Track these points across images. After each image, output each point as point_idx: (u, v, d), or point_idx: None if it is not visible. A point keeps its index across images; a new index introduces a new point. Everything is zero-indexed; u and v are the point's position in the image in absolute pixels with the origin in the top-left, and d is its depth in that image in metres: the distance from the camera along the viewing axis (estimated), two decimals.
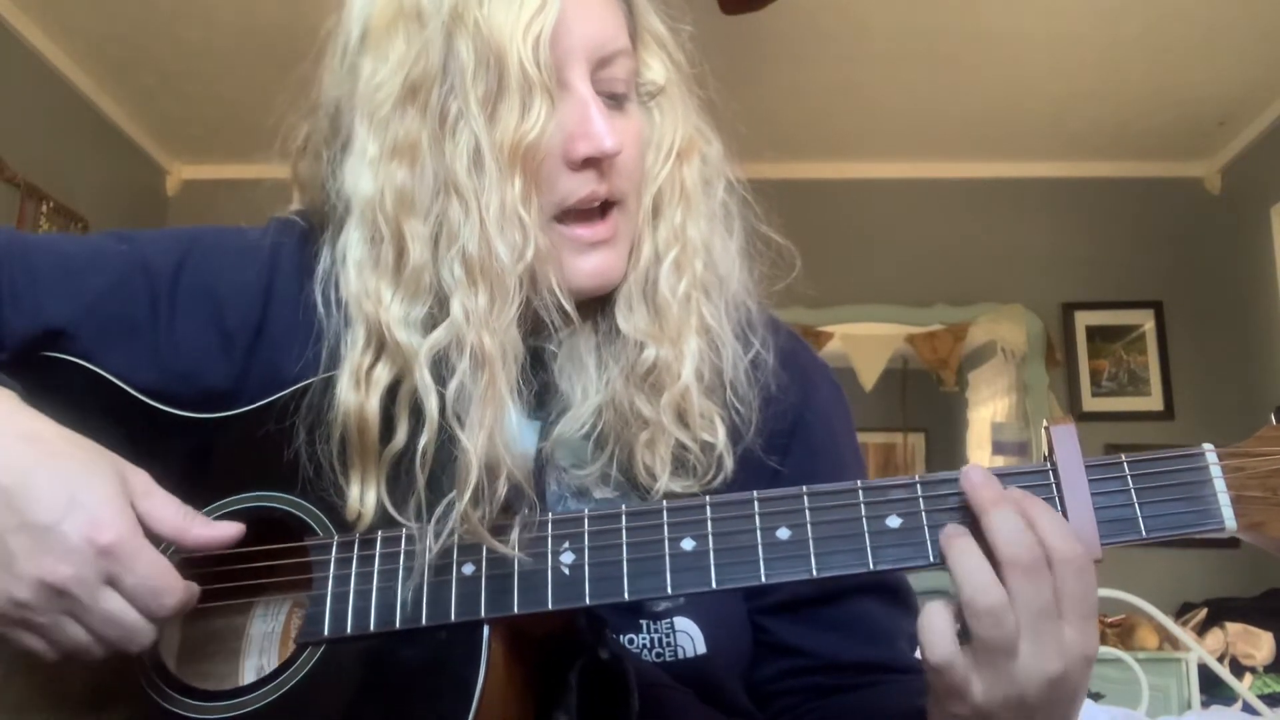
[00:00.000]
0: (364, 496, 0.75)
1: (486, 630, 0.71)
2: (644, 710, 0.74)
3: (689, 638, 0.84)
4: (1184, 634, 2.61)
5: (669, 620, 0.84)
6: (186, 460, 0.82)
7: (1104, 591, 2.13)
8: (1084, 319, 4.80)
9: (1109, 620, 3.64)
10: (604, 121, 0.79)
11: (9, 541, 0.68)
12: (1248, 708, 2.55)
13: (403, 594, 0.73)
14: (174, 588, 0.71)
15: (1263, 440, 0.69)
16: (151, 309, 0.86)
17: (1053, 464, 0.70)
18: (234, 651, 0.84)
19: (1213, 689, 3.38)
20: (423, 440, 0.73)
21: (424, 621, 0.73)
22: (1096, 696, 2.76)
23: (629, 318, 0.84)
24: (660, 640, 0.84)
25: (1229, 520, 0.68)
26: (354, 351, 0.77)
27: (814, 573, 0.70)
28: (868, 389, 5.26)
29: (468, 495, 0.71)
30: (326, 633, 0.74)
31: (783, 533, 0.71)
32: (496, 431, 0.72)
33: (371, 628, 0.74)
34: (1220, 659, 3.58)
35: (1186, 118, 4.46)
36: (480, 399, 0.73)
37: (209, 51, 4.03)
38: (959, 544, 0.67)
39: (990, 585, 0.64)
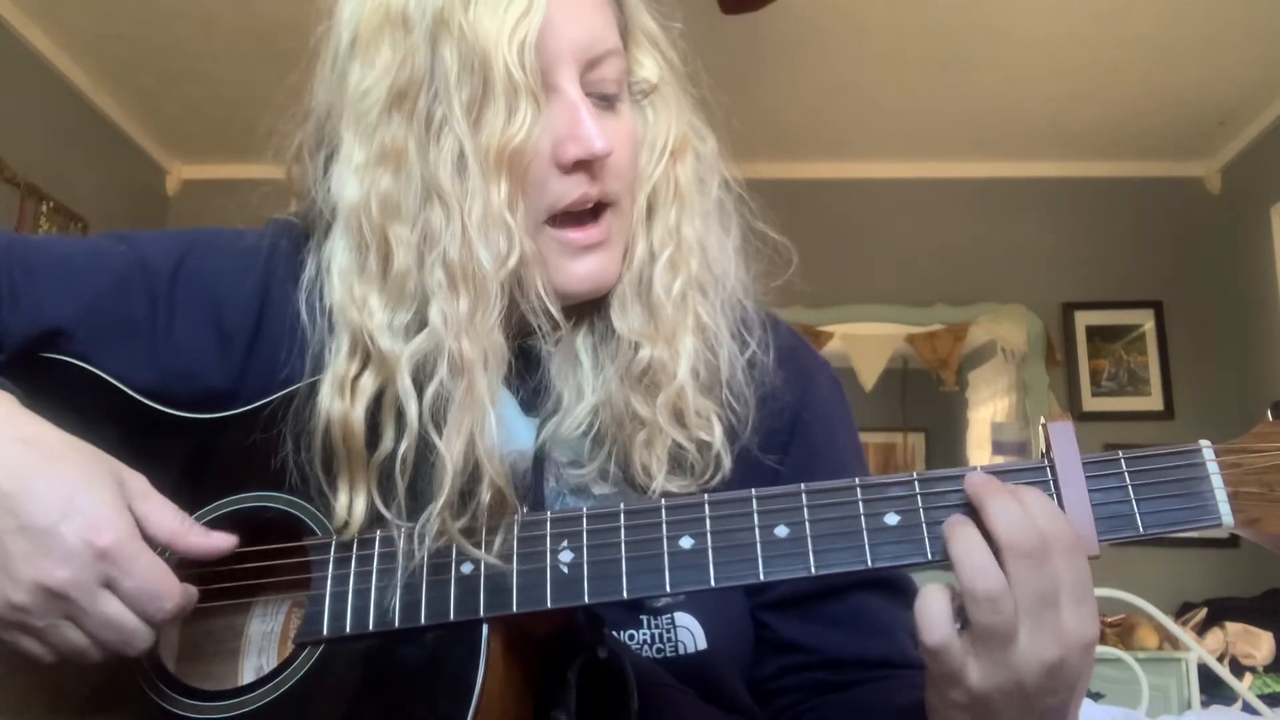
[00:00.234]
0: (352, 505, 0.75)
1: (485, 629, 0.71)
2: (644, 709, 0.74)
3: (689, 633, 0.84)
4: (1184, 634, 2.61)
5: (669, 616, 0.84)
6: (185, 460, 0.82)
7: (1104, 591, 2.13)
8: (1084, 319, 4.80)
9: (1109, 620, 3.64)
10: (594, 123, 0.79)
11: (7, 544, 0.68)
12: (1248, 708, 2.55)
13: (402, 594, 0.73)
14: (172, 591, 0.71)
15: (1260, 436, 0.69)
16: (150, 309, 0.87)
17: (1050, 461, 0.70)
18: (233, 651, 0.84)
19: (1213, 689, 3.38)
20: (402, 447, 0.73)
21: (423, 621, 0.73)
22: (1096, 696, 2.76)
23: (624, 318, 0.84)
24: (661, 636, 0.84)
25: (1226, 516, 0.68)
26: (338, 359, 0.77)
27: (812, 570, 0.70)
28: (868, 389, 5.27)
29: (442, 501, 0.71)
30: (325, 632, 0.74)
31: (781, 530, 0.71)
32: (477, 437, 0.72)
33: (370, 627, 0.74)
34: (1220, 659, 3.58)
35: (1186, 118, 4.46)
36: (459, 405, 0.73)
37: (209, 51, 4.04)
38: (960, 531, 0.67)
39: (990, 570, 0.65)
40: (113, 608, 0.70)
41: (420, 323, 0.76)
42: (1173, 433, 4.52)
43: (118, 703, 0.77)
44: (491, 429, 0.73)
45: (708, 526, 0.72)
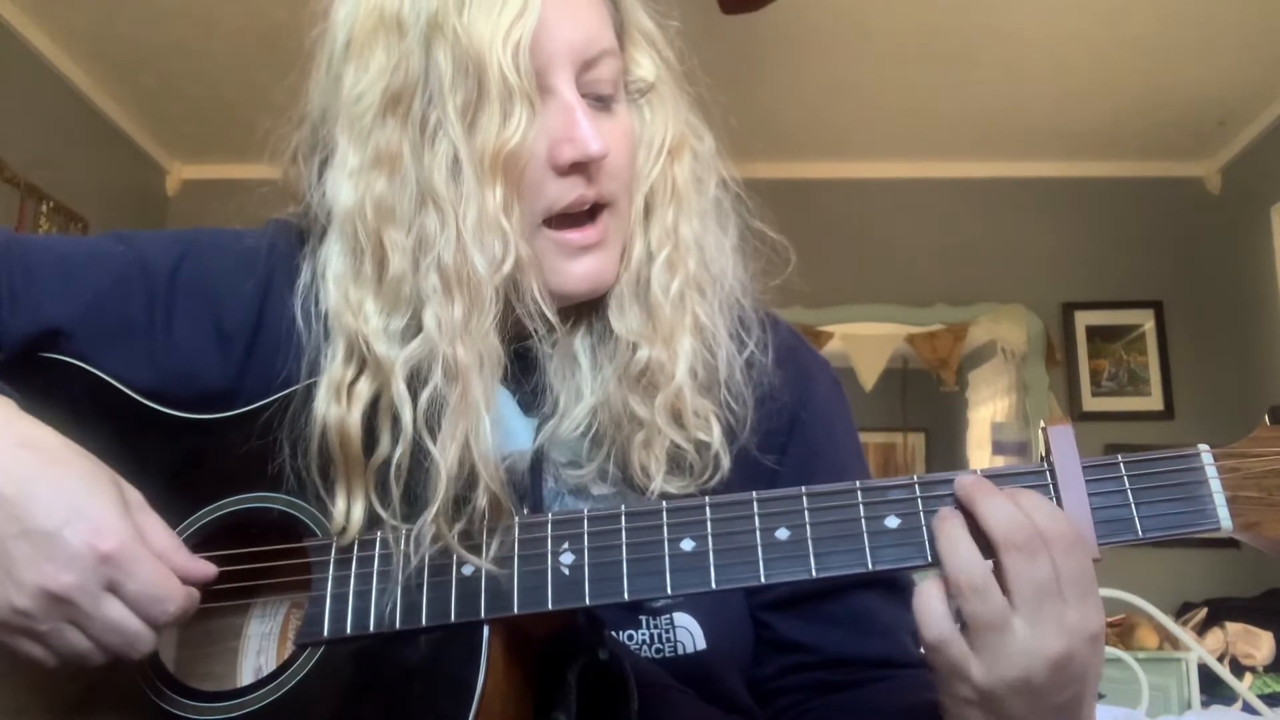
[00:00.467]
0: (350, 509, 0.75)
1: (486, 631, 0.71)
2: (644, 710, 0.74)
3: (689, 634, 0.84)
4: (1184, 634, 2.61)
5: (668, 616, 0.84)
6: (184, 460, 0.82)
7: (1104, 591, 2.13)
8: (1084, 319, 4.80)
9: (1109, 620, 3.64)
10: (590, 125, 0.79)
11: (10, 549, 0.68)
12: (1248, 708, 2.55)
13: (403, 595, 0.73)
14: (175, 594, 0.71)
15: (1258, 441, 0.70)
16: (149, 310, 0.86)
17: (1050, 465, 0.71)
18: (231, 651, 0.84)
19: (1213, 689, 3.38)
20: (397, 452, 0.74)
21: (424, 622, 0.73)
22: (1097, 696, 2.76)
23: (621, 318, 0.84)
24: (660, 636, 0.84)
25: (1225, 520, 0.69)
26: (333, 365, 0.77)
27: (813, 573, 0.70)
28: (868, 389, 5.27)
29: (436, 507, 0.71)
30: (326, 633, 0.74)
31: (782, 533, 0.71)
32: (472, 442, 0.72)
33: (371, 629, 0.74)
34: (1220, 659, 3.58)
35: (1186, 118, 4.46)
36: (454, 410, 0.73)
37: (209, 51, 4.03)
38: (947, 525, 0.68)
39: (974, 562, 0.66)
40: (116, 612, 0.70)
41: (415, 327, 0.76)
42: (1173, 433, 4.53)
43: (117, 703, 0.77)
44: (486, 434, 0.73)
45: (709, 529, 0.72)
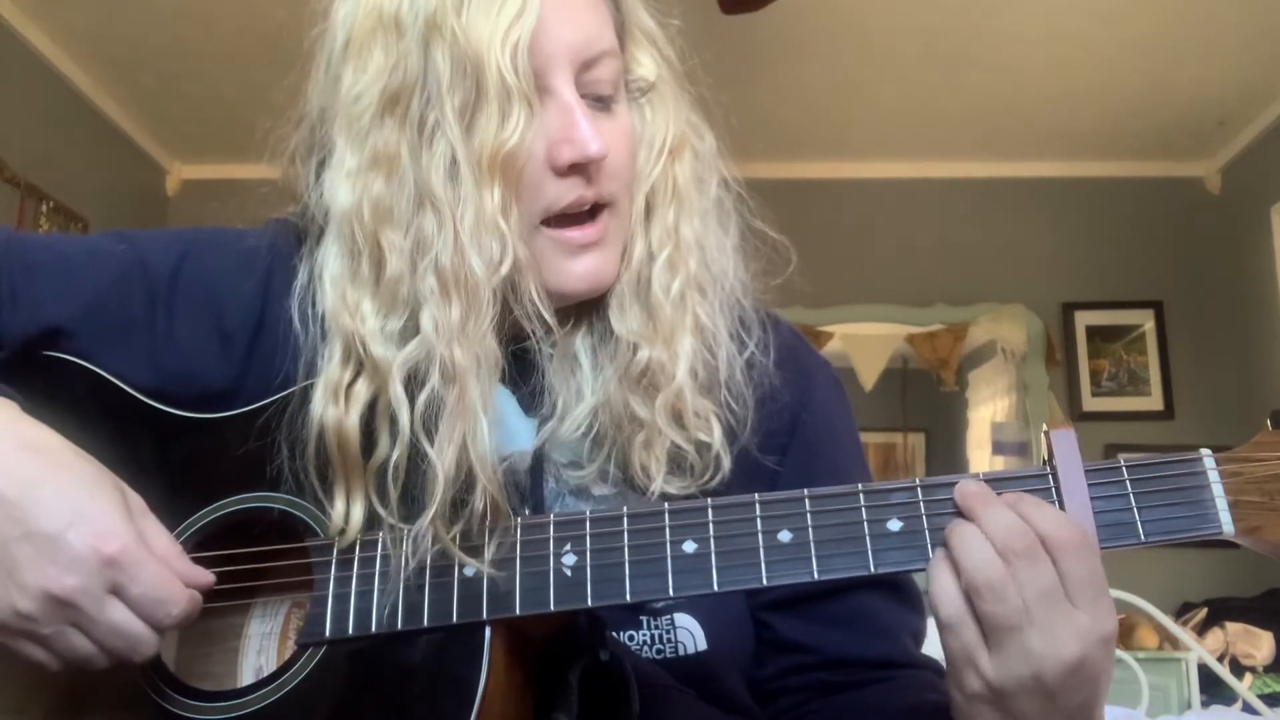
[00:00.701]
0: (350, 511, 0.75)
1: (488, 631, 0.71)
2: (645, 711, 0.75)
3: (689, 634, 0.84)
4: (1184, 634, 2.61)
5: (669, 617, 0.84)
6: (186, 460, 0.82)
7: None
8: (1084, 319, 4.80)
9: None
10: (589, 126, 0.79)
11: (13, 551, 0.68)
12: (1248, 708, 2.55)
13: (404, 596, 0.73)
14: (178, 597, 0.71)
15: (1259, 446, 0.70)
16: (150, 309, 0.86)
17: (1052, 468, 0.71)
18: (232, 651, 0.84)
19: (1213, 689, 3.38)
20: (395, 454, 0.73)
21: (426, 623, 0.73)
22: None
23: (622, 319, 0.83)
24: (660, 637, 0.84)
25: (1227, 525, 0.69)
26: (330, 366, 0.77)
27: (815, 575, 0.70)
28: (868, 389, 5.27)
29: (433, 510, 0.71)
30: (328, 634, 0.74)
31: (784, 535, 0.71)
32: (470, 445, 0.72)
33: (373, 629, 0.74)
34: (1220, 659, 3.58)
35: (1186, 118, 4.46)
36: (451, 413, 0.73)
37: (209, 51, 4.03)
38: (961, 529, 0.68)
39: (991, 561, 0.66)
40: (120, 615, 0.69)
41: (413, 329, 0.75)
42: (1173, 433, 4.53)
43: (118, 703, 0.77)
44: (484, 436, 0.73)
45: (711, 531, 0.72)
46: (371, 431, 0.75)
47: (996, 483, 0.70)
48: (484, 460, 0.72)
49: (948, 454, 6.43)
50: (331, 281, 0.78)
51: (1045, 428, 0.72)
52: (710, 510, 0.72)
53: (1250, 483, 0.69)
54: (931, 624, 0.74)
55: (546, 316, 0.78)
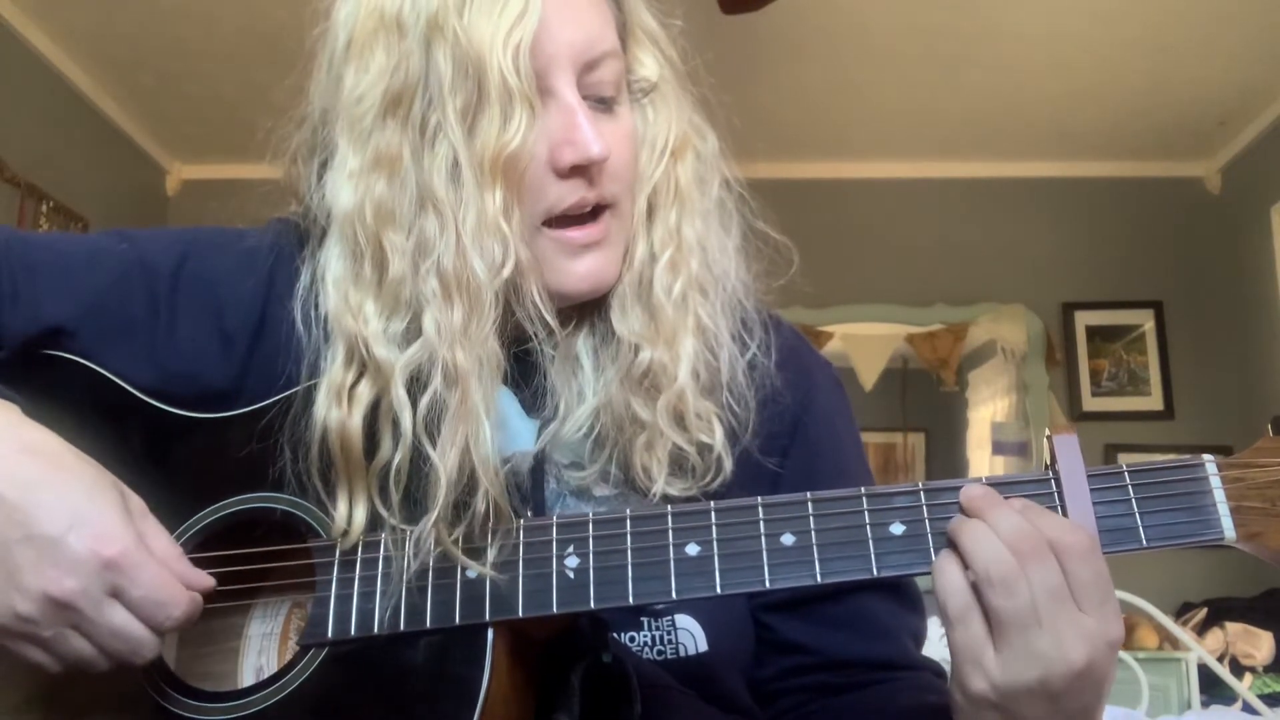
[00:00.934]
0: (352, 513, 0.75)
1: (491, 633, 0.71)
2: (646, 712, 0.75)
3: (690, 635, 0.84)
4: (1184, 634, 2.61)
5: (670, 618, 0.84)
6: (188, 460, 0.82)
7: None
8: (1084, 319, 4.80)
9: None
10: (591, 127, 0.79)
11: (13, 554, 0.68)
12: (1248, 708, 2.55)
13: (407, 597, 0.73)
14: (179, 599, 0.71)
15: (1261, 451, 0.70)
16: (150, 308, 0.86)
17: (1055, 473, 0.71)
18: (232, 651, 0.84)
19: (1213, 689, 3.38)
20: (397, 457, 0.73)
21: (428, 624, 0.73)
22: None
23: (624, 320, 0.83)
24: (661, 638, 0.84)
25: (1228, 530, 0.69)
26: (333, 368, 0.77)
27: (818, 579, 0.71)
28: (868, 389, 5.26)
29: (435, 513, 0.71)
30: (330, 635, 0.74)
31: (787, 539, 0.71)
32: (472, 447, 0.72)
33: (375, 630, 0.74)
34: (1220, 659, 3.58)
35: (1186, 118, 4.46)
36: (453, 415, 0.73)
37: (209, 51, 4.03)
38: (971, 525, 0.68)
39: (1003, 556, 0.66)
40: (120, 617, 0.69)
41: (416, 330, 0.75)
42: (1173, 433, 4.53)
43: (120, 703, 0.77)
44: (486, 439, 0.73)
45: (714, 534, 0.72)
46: (374, 433, 0.75)
47: (1000, 487, 0.71)
48: (486, 463, 0.72)
49: (948, 454, 6.42)
50: (334, 283, 0.78)
51: (1048, 432, 0.72)
52: (713, 513, 0.72)
53: (1252, 488, 0.69)
54: (933, 625, 0.74)
55: (548, 318, 0.78)
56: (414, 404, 0.74)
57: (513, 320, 0.79)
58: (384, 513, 0.74)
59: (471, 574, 0.73)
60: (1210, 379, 4.62)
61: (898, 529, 0.71)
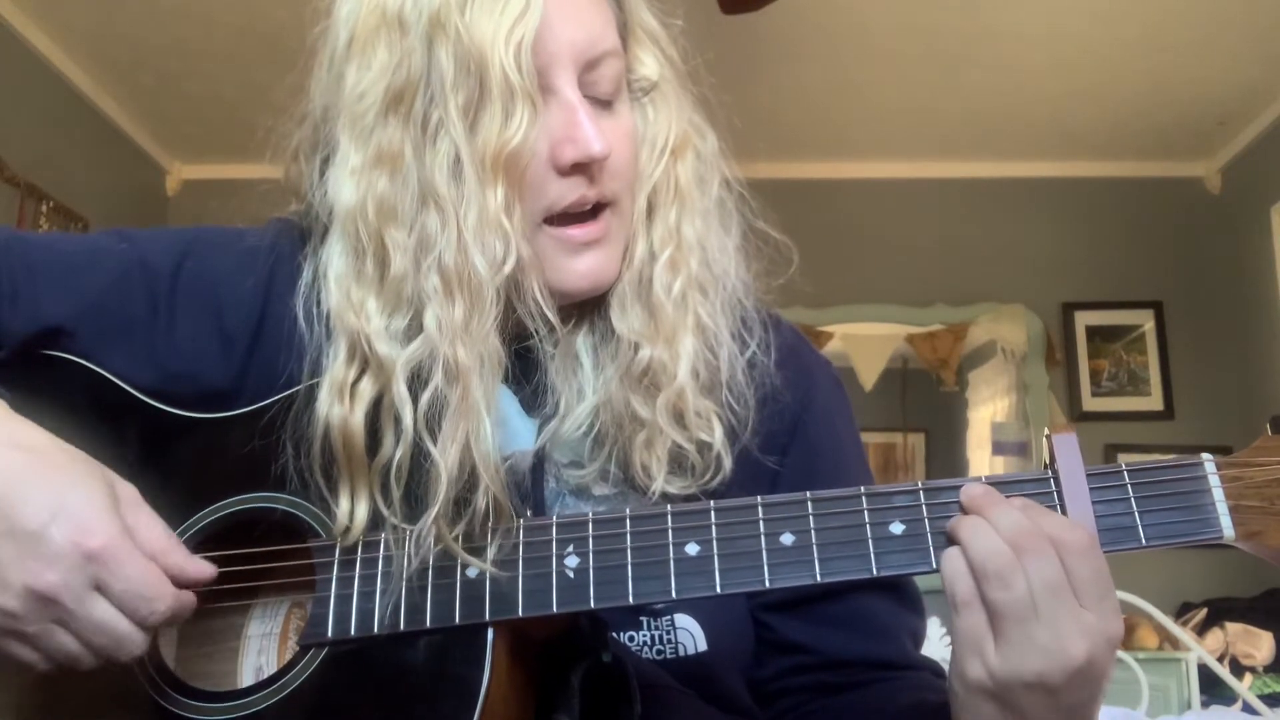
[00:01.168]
0: (354, 510, 0.75)
1: (490, 633, 0.72)
2: (646, 712, 0.75)
3: (689, 635, 0.84)
4: (1184, 634, 2.61)
5: (669, 617, 0.84)
6: (187, 460, 0.82)
7: None
8: (1084, 319, 4.80)
9: None
10: (591, 125, 0.79)
11: None
12: (1248, 708, 2.55)
13: (406, 596, 0.73)
14: (163, 594, 0.70)
15: (1260, 450, 0.70)
16: (150, 308, 0.86)
17: (1054, 472, 0.71)
18: (232, 651, 0.84)
19: (1213, 689, 3.38)
20: (398, 453, 0.73)
21: (428, 624, 0.73)
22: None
23: (623, 318, 0.84)
24: (660, 638, 0.84)
25: (1227, 529, 0.69)
26: (335, 364, 0.77)
27: (818, 578, 0.71)
28: (868, 389, 5.26)
29: (436, 509, 0.71)
30: (330, 634, 0.74)
31: (787, 538, 0.71)
32: (473, 444, 0.72)
33: (375, 630, 0.74)
34: (1220, 659, 3.59)
35: (1186, 117, 4.46)
36: (454, 412, 0.73)
37: (209, 51, 4.03)
38: (971, 519, 0.69)
39: (1000, 550, 0.66)
40: (102, 611, 0.69)
41: (417, 327, 0.76)
42: (1173, 433, 4.53)
43: (119, 702, 0.77)
44: (487, 435, 0.73)
45: (713, 533, 0.72)
46: (376, 430, 0.75)
47: (1000, 486, 0.71)
48: (487, 459, 0.72)
49: (948, 454, 6.42)
50: (336, 280, 0.78)
51: (1047, 431, 0.72)
52: (713, 513, 0.73)
53: (1250, 488, 0.69)
54: (933, 625, 0.74)
55: (550, 315, 0.78)
56: (415, 400, 0.74)
57: (514, 317, 0.79)
58: (385, 511, 0.74)
59: (471, 573, 0.73)
60: (1210, 379, 4.62)
61: (897, 528, 0.71)
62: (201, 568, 0.73)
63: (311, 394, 0.77)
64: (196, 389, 0.85)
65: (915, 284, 4.85)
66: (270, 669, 0.81)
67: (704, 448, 0.82)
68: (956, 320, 4.89)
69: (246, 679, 0.82)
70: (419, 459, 0.73)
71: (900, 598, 0.90)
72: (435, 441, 0.72)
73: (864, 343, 5.18)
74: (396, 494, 0.73)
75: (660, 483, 0.80)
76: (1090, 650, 0.65)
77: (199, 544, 0.78)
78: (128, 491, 0.73)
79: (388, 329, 0.76)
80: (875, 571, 0.70)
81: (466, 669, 0.70)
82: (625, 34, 0.86)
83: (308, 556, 0.77)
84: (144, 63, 4.14)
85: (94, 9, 3.80)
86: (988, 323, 4.89)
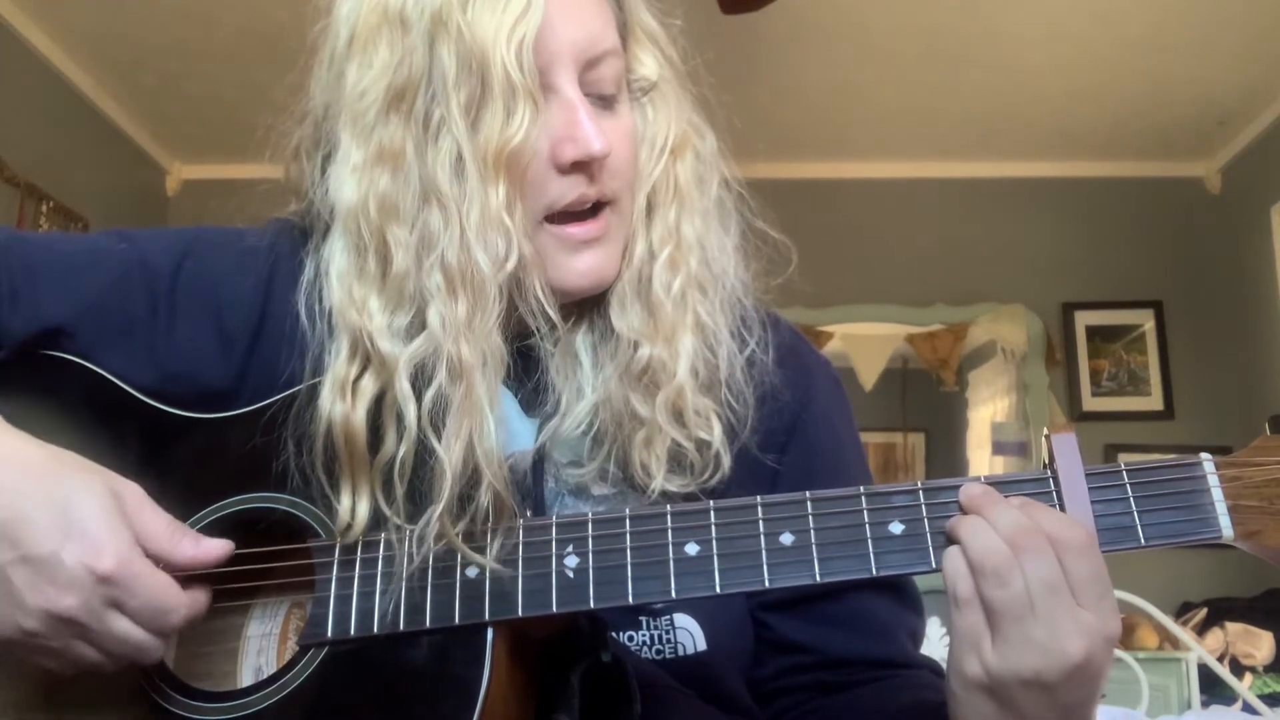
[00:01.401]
0: (355, 507, 0.75)
1: (490, 633, 0.72)
2: (646, 711, 0.75)
3: (689, 634, 0.84)
4: (1184, 634, 2.61)
5: (668, 617, 0.84)
6: (187, 460, 0.82)
7: None
8: (1084, 319, 4.80)
9: None
10: (592, 124, 0.79)
11: (11, 575, 0.68)
12: (1248, 708, 2.55)
13: (406, 596, 0.73)
14: (179, 603, 0.71)
15: (1259, 450, 0.70)
16: (150, 309, 0.86)
17: (1053, 472, 0.71)
18: (232, 651, 0.84)
19: (1213, 689, 3.38)
20: (401, 451, 0.73)
21: (428, 624, 0.73)
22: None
23: (623, 316, 0.84)
24: (660, 637, 0.84)
25: (1226, 529, 0.69)
26: (338, 362, 0.77)
27: (818, 578, 0.71)
28: (868, 389, 5.26)
29: (441, 506, 0.71)
30: (330, 634, 0.74)
31: (786, 538, 0.71)
32: (476, 441, 0.72)
33: (375, 629, 0.74)
34: (1220, 659, 3.59)
35: (1186, 117, 4.46)
36: (458, 409, 0.73)
37: (209, 51, 4.03)
38: (969, 518, 0.69)
39: (997, 547, 0.66)
40: (122, 626, 0.70)
41: (419, 325, 0.76)
42: (1173, 433, 4.53)
43: (119, 702, 0.77)
44: (490, 432, 0.73)
45: (713, 533, 0.72)
46: (378, 428, 0.75)
47: (999, 486, 0.71)
48: (490, 456, 0.72)
49: (948, 454, 6.42)
50: (338, 277, 0.79)
51: (1046, 431, 0.72)
52: (712, 512, 0.73)
53: (1249, 487, 0.69)
54: (933, 625, 0.74)
55: (551, 313, 0.78)
56: (418, 398, 0.74)
57: (515, 315, 0.79)
58: (386, 510, 0.74)
59: (471, 573, 0.73)
60: (1210, 379, 4.62)
61: (897, 528, 0.71)
62: (211, 548, 0.74)
63: (314, 391, 0.77)
64: (196, 389, 0.85)
65: (915, 284, 4.85)
66: (270, 669, 0.81)
67: (703, 446, 0.82)
68: (956, 320, 4.89)
69: (246, 679, 0.82)
70: (422, 455, 0.73)
71: (900, 597, 0.90)
72: (439, 438, 0.72)
73: (864, 343, 5.19)
74: (399, 491, 0.73)
75: (659, 481, 0.80)
76: (1087, 649, 0.65)
77: None
78: (130, 490, 0.73)
79: (390, 326, 0.76)
80: (875, 571, 0.70)
81: (466, 669, 0.70)
82: (625, 34, 0.86)
83: (307, 556, 0.77)
84: (144, 63, 4.14)
85: (94, 9, 3.80)
86: (988, 323, 4.90)
